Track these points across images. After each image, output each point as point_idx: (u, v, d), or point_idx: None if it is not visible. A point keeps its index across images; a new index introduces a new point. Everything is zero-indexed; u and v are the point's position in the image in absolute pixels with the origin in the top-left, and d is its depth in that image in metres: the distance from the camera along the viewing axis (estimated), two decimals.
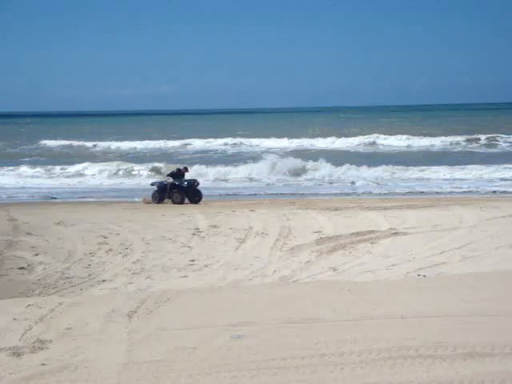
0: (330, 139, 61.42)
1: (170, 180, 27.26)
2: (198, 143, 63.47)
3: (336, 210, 22.68)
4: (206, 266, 15.18)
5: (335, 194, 30.52)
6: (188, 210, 23.53)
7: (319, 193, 31.48)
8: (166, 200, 26.85)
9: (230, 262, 15.35)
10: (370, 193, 31.02)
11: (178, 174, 27.71)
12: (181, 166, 29.64)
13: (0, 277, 14.77)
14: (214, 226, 19.62)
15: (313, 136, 65.90)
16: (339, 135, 64.39)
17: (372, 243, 16.68)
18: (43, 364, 7.20)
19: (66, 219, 21.28)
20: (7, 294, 13.14)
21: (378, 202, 25.31)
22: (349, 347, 7.36)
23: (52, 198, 30.86)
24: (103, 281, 14.16)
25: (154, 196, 26.87)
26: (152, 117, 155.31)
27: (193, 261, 15.61)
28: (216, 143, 63.46)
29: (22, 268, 15.41)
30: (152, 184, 27.96)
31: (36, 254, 16.56)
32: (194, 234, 18.69)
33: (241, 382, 6.65)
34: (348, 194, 30.37)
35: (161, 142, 65.38)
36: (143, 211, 23.69)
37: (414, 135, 61.44)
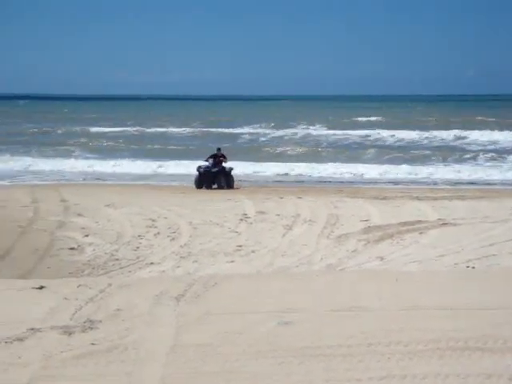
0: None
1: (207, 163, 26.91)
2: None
3: (384, 199, 22.53)
4: (253, 251, 15.24)
5: (384, 183, 30.30)
6: (236, 195, 23.60)
7: (367, 181, 31.28)
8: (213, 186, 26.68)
9: (276, 249, 15.38)
10: (420, 182, 30.71)
11: (215, 157, 27.29)
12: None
13: (51, 257, 15.06)
14: (262, 212, 19.66)
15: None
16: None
17: (420, 233, 16.53)
18: (93, 344, 7.31)
19: (116, 201, 21.56)
20: (58, 274, 13.39)
21: (427, 192, 25.06)
22: (396, 337, 7.32)
23: (103, 180, 31.21)
24: (151, 263, 14.33)
25: (195, 181, 26.96)
26: (197, 102, 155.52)
27: (240, 246, 15.68)
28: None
29: (72, 248, 15.68)
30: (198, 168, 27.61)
31: (86, 235, 16.83)
32: (241, 219, 18.76)
33: (287, 368, 6.67)
34: (396, 183, 30.10)
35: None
36: (191, 196, 23.84)
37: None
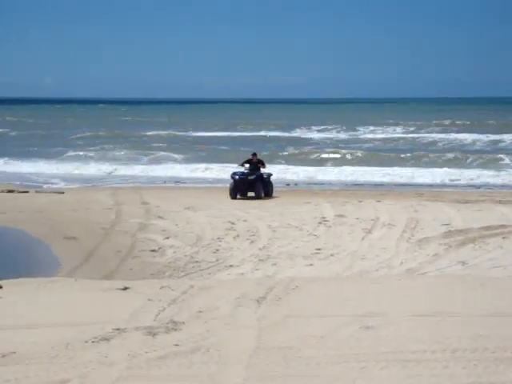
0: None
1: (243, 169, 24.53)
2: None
3: (466, 202, 22.10)
4: (331, 255, 15.16)
5: (463, 187, 29.73)
6: (314, 198, 23.54)
7: (447, 184, 30.76)
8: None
9: (356, 252, 15.26)
10: (502, 186, 29.99)
11: (251, 163, 24.88)
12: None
13: (133, 258, 15.33)
14: (341, 216, 19.55)
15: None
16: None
17: (504, 238, 16.14)
18: (176, 345, 7.41)
19: (195, 204, 21.79)
20: (140, 276, 13.63)
21: (510, 196, 24.47)
22: (482, 343, 7.17)
23: (182, 182, 31.57)
24: (230, 266, 14.41)
25: (229, 189, 24.09)
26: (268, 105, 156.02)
27: (319, 249, 15.62)
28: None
29: (153, 250, 15.92)
30: (232, 175, 24.50)
31: (167, 238, 17.07)
32: (320, 222, 18.70)
33: (370, 373, 6.61)
34: (478, 187, 29.49)
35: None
36: (269, 199, 23.90)
37: None
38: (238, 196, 23.80)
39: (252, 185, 23.86)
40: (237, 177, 23.95)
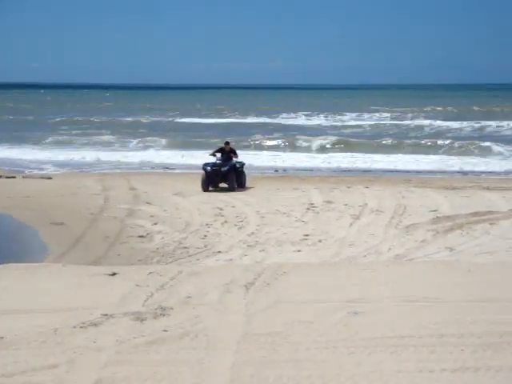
0: None
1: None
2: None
3: (453, 189, 22.19)
4: (319, 241, 15.20)
5: (452, 173, 29.81)
6: (303, 184, 23.56)
7: (435, 171, 30.83)
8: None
9: (344, 238, 15.30)
10: (490, 173, 30.10)
11: (223, 152, 23.42)
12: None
13: (121, 244, 15.31)
14: (329, 202, 19.59)
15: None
16: None
17: (491, 224, 16.23)
18: (165, 330, 7.41)
19: (184, 190, 21.79)
20: (128, 261, 13.62)
21: (497, 183, 24.57)
22: (469, 329, 7.22)
23: (169, 168, 31.50)
24: (219, 252, 14.42)
25: (201, 182, 22.65)
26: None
27: (307, 235, 15.65)
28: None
29: (141, 236, 15.91)
30: (204, 166, 23.02)
31: (155, 223, 17.05)
32: (308, 208, 18.73)
33: (358, 358, 6.64)
34: (465, 174, 29.59)
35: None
36: (258, 185, 23.90)
37: None
38: (210, 188, 22.58)
39: (225, 176, 22.57)
40: (209, 168, 22.57)
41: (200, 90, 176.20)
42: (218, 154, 23.22)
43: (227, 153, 23.21)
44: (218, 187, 22.62)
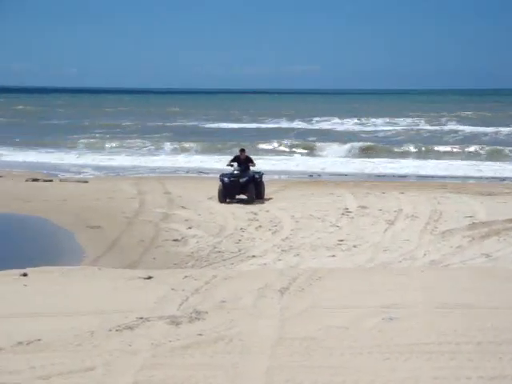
0: None
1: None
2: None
3: (489, 194, 21.95)
4: (354, 246, 15.14)
5: (487, 179, 29.49)
6: (337, 189, 23.49)
7: (472, 176, 30.52)
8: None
9: (378, 244, 15.22)
10: None
11: (239, 160, 21.90)
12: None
13: (156, 248, 15.40)
14: (363, 207, 19.50)
15: None
16: None
17: None
18: (200, 334, 7.44)
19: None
20: (163, 265, 13.69)
21: None
22: (508, 336, 7.14)
23: (204, 172, 31.61)
24: (253, 256, 14.43)
25: (218, 193, 21.14)
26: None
27: (341, 240, 15.60)
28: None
29: (176, 240, 15.98)
30: (221, 177, 21.50)
31: (189, 228, 17.11)
32: (343, 213, 18.67)
33: (393, 365, 6.60)
34: (502, 180, 29.24)
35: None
36: (292, 189, 23.88)
37: None
38: (228, 200, 20.99)
39: (244, 187, 20.99)
40: (226, 179, 21.06)
41: (237, 94, 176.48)
42: (235, 164, 21.74)
43: (244, 161, 21.79)
44: (236, 199, 21.18)
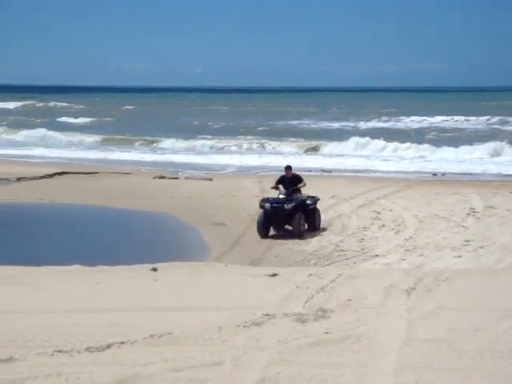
0: None
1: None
2: None
3: None
4: (481, 247, 14.74)
5: None
6: (463, 189, 22.91)
7: None
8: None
9: (507, 245, 14.77)
10: None
11: (285, 181, 17.56)
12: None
13: (279, 245, 15.54)
14: (491, 207, 18.95)
15: None
16: None
17: None
18: (326, 332, 7.44)
19: (340, 193, 21.72)
20: (286, 263, 13.80)
21: None
22: None
23: (326, 171, 31.54)
24: (376, 255, 14.32)
25: (257, 223, 16.81)
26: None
27: (468, 241, 15.23)
28: None
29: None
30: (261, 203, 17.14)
31: None
32: (468, 213, 18.21)
33: None
34: None
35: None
36: (416, 189, 23.50)
37: None
38: (271, 232, 16.89)
39: (290, 216, 16.60)
40: (268, 205, 16.74)
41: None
42: (281, 187, 17.35)
43: (290, 181, 17.41)
44: (283, 230, 17.02)
